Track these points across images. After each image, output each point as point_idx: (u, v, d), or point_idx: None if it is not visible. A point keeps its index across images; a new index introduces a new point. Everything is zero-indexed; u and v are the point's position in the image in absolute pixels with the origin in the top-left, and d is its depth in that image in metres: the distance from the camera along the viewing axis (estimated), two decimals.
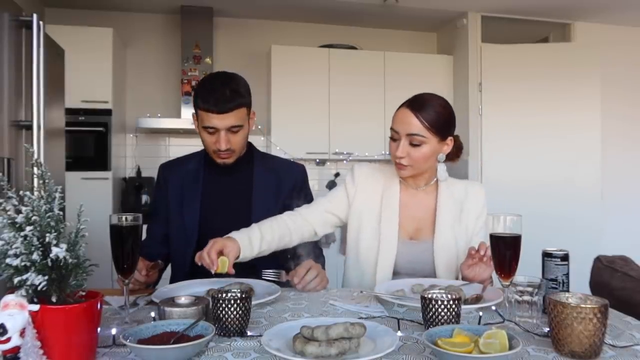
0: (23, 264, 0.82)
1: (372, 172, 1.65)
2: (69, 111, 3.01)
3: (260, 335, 0.98)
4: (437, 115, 1.47)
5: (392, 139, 1.52)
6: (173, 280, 1.61)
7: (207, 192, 1.69)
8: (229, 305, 1.03)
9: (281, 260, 1.59)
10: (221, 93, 1.53)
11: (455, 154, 1.58)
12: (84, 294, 0.91)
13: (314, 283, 1.44)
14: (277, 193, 1.70)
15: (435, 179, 1.61)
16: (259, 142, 4.33)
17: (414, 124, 1.46)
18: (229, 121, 1.55)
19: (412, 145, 1.47)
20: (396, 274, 1.56)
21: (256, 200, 1.67)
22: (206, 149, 1.66)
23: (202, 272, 1.49)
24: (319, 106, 4.28)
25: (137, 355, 0.92)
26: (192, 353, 0.91)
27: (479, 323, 1.11)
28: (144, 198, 3.99)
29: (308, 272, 1.44)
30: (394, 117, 1.52)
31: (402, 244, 1.56)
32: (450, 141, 1.53)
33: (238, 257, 1.39)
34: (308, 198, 1.76)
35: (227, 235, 1.40)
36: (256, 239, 1.44)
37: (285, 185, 1.72)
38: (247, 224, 1.50)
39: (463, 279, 1.45)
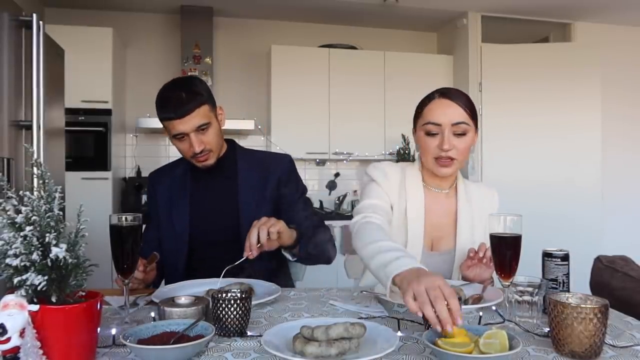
0: (23, 264, 0.82)
1: (397, 171, 1.57)
2: (69, 111, 3.01)
3: (260, 335, 0.98)
4: (470, 103, 1.47)
5: (430, 133, 1.45)
6: (166, 284, 1.61)
7: (195, 195, 1.69)
8: (229, 305, 1.03)
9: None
10: (177, 98, 1.51)
11: None
12: (83, 294, 0.91)
13: (265, 244, 1.34)
14: (263, 188, 1.67)
15: (455, 182, 1.57)
16: (259, 142, 4.34)
17: (458, 112, 1.42)
18: (193, 122, 1.52)
19: (456, 135, 1.43)
20: None
21: (242, 198, 1.66)
22: (185, 157, 1.64)
23: (195, 277, 1.49)
24: (319, 106, 4.28)
25: (137, 355, 0.92)
26: (192, 353, 0.91)
27: (479, 323, 1.11)
28: (144, 198, 3.98)
29: (250, 237, 1.33)
30: (429, 111, 1.45)
31: (423, 255, 1.50)
32: (477, 131, 1.50)
33: None
34: (300, 187, 1.73)
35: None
36: None
37: (271, 178, 1.69)
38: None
39: (463, 279, 1.45)
